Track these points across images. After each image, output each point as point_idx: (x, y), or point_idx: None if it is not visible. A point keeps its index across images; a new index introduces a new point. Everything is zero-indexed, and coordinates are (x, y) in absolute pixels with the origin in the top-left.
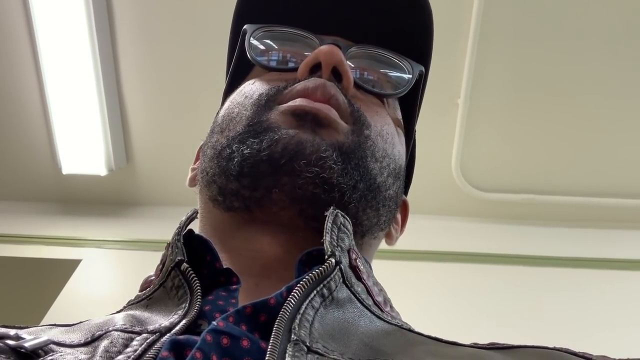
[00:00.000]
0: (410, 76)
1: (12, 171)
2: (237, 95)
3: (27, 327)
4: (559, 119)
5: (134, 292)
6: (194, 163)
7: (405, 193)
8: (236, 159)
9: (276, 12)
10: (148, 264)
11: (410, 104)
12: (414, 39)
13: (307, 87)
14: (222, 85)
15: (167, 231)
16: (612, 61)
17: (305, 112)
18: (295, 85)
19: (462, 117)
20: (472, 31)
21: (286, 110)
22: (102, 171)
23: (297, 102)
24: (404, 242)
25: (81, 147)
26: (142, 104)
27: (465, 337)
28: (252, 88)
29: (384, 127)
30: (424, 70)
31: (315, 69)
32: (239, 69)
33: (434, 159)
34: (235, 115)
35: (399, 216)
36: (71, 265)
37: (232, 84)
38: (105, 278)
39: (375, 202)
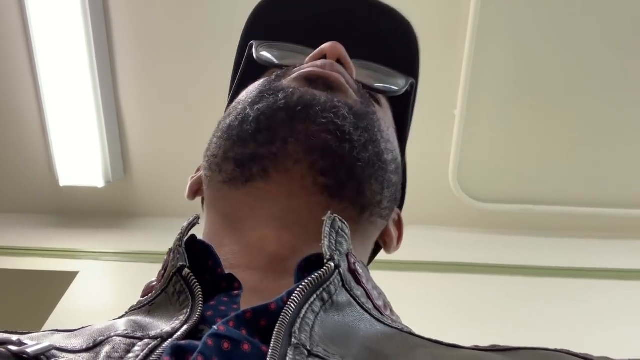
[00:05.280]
0: (403, 84)
1: (9, 183)
2: (244, 90)
3: (29, 333)
4: (556, 129)
5: (131, 304)
6: (195, 173)
7: (400, 207)
8: (251, 116)
9: (278, 38)
10: (146, 275)
11: (401, 119)
12: (400, 63)
13: (315, 64)
14: (221, 96)
15: (165, 243)
16: (610, 73)
17: (317, 76)
18: (304, 65)
19: (459, 127)
20: (468, 42)
21: (298, 76)
22: (100, 183)
23: (309, 68)
24: (401, 252)
25: (78, 158)
26: (139, 115)
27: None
28: (259, 81)
29: (385, 118)
30: (414, 82)
31: None
32: (243, 83)
33: (431, 169)
34: (245, 97)
35: (394, 232)
36: (68, 277)
37: (235, 97)
38: (103, 290)
39: (381, 175)
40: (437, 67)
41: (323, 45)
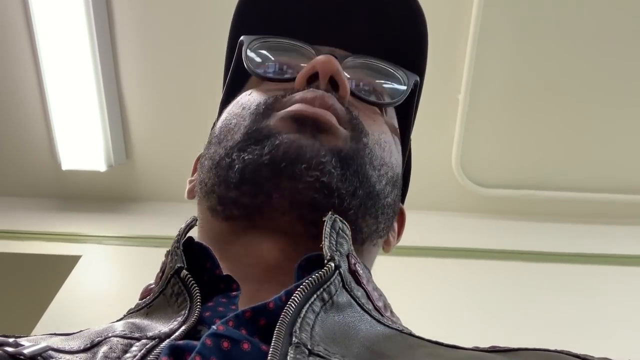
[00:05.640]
0: (406, 86)
1: (11, 167)
2: (234, 107)
3: (26, 337)
4: (559, 114)
5: (133, 288)
6: (192, 175)
7: (402, 201)
8: (237, 166)
9: (272, 24)
10: (148, 259)
11: (406, 112)
12: (409, 49)
13: (305, 97)
14: (221, 81)
15: (166, 227)
16: (612, 59)
17: (306, 116)
18: (294, 94)
19: (462, 112)
20: (472, 26)
21: (286, 116)
22: (102, 167)
23: (297, 107)
24: (404, 238)
25: (81, 142)
26: (141, 99)
27: (465, 333)
28: (249, 99)
29: (381, 135)
30: (419, 80)
31: (312, 79)
32: (236, 80)
33: (434, 154)
34: (233, 126)
35: (395, 224)
36: (71, 261)
37: (229, 95)
38: (105, 274)
39: (374, 209)
40: (442, 53)
41: (315, 61)
